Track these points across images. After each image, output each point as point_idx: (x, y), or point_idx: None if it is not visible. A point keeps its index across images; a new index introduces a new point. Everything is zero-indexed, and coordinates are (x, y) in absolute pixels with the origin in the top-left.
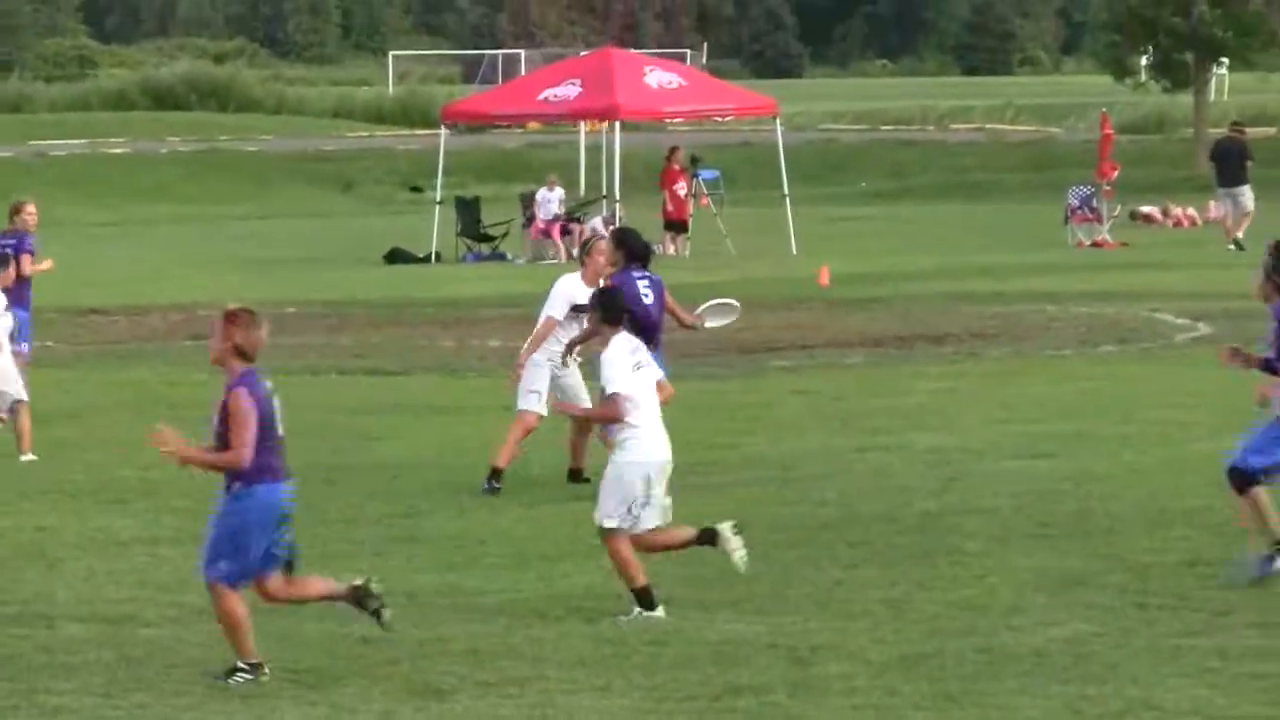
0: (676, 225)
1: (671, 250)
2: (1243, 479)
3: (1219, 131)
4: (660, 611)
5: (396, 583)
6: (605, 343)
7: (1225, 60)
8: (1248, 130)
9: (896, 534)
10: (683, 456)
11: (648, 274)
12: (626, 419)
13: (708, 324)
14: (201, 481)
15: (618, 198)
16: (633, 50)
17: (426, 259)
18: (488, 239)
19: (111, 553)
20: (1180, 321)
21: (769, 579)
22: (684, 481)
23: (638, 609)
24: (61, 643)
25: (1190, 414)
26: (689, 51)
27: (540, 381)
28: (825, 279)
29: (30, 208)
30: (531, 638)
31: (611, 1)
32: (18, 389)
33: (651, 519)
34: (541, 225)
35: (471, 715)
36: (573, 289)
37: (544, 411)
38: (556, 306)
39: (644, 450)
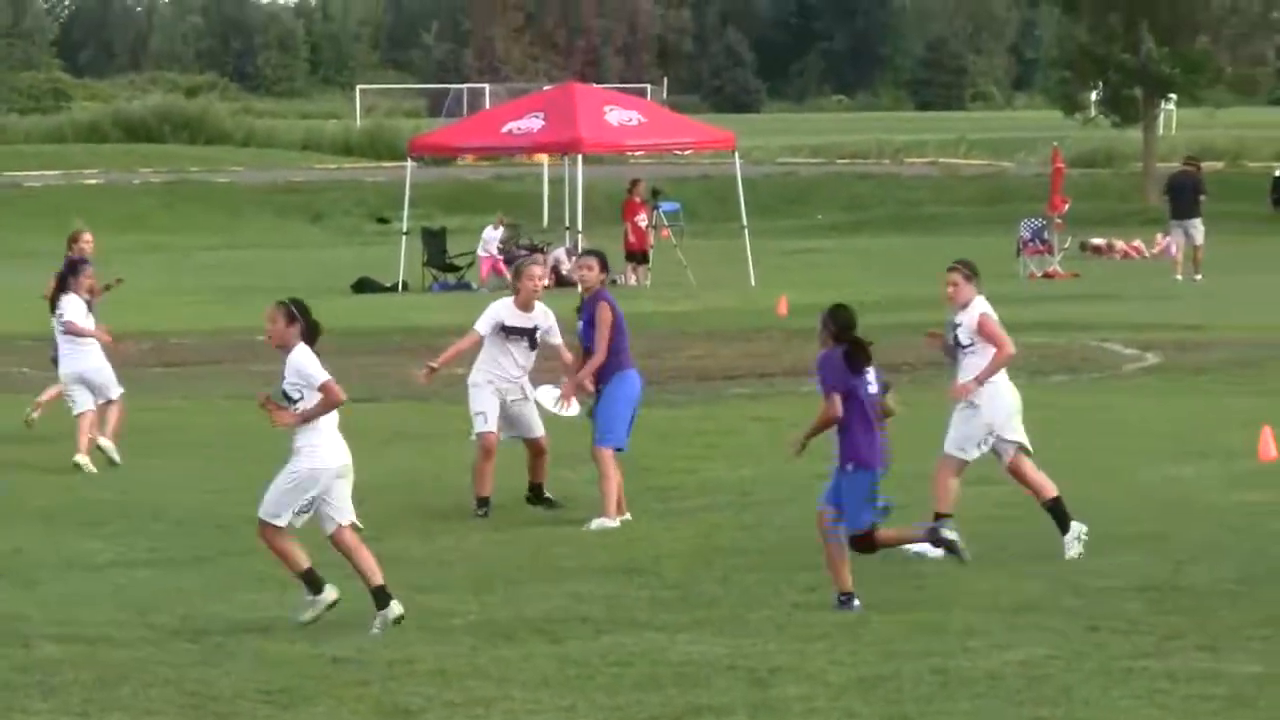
0: (638, 256)
1: (633, 280)
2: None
3: (1168, 166)
4: (330, 592)
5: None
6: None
7: (1173, 96)
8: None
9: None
10: (643, 481)
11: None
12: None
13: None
14: (175, 505)
15: (579, 229)
16: (595, 85)
17: (394, 288)
18: (453, 269)
19: (88, 574)
20: (1129, 351)
21: (729, 602)
22: (646, 507)
23: (309, 595)
24: (38, 662)
25: (1139, 441)
26: (649, 86)
27: (484, 403)
28: (783, 309)
29: (87, 236)
30: (497, 658)
31: (574, 37)
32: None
33: (325, 522)
34: (489, 261)
35: None
36: (504, 311)
37: (494, 429)
38: (484, 323)
39: (321, 458)
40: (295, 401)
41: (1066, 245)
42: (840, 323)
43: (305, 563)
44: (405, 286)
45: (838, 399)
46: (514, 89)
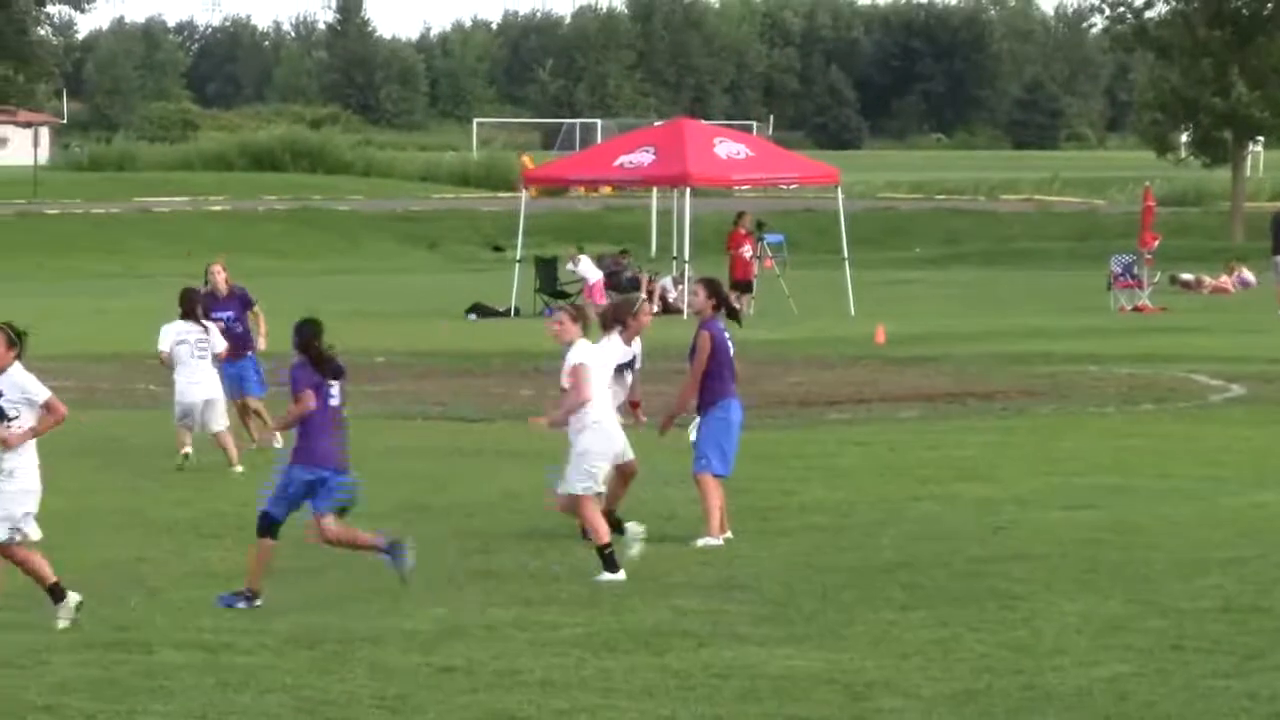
0: (742, 285)
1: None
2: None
3: (1255, 205)
4: (73, 596)
5: (473, 615)
6: None
7: (1261, 139)
8: None
9: (948, 578)
10: (745, 501)
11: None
12: None
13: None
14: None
15: (686, 259)
16: (703, 121)
17: (506, 313)
18: (564, 295)
19: (208, 583)
20: (1215, 383)
21: (826, 618)
22: (747, 527)
23: (55, 603)
24: (160, 667)
25: (1223, 470)
26: (755, 123)
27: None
28: (881, 338)
29: (215, 267)
30: (602, 669)
31: (683, 75)
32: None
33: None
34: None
35: None
36: (614, 351)
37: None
38: (595, 375)
39: (35, 477)
40: (11, 419)
41: (1156, 280)
42: (303, 335)
43: (51, 576)
44: (518, 311)
45: (310, 394)
46: (624, 124)
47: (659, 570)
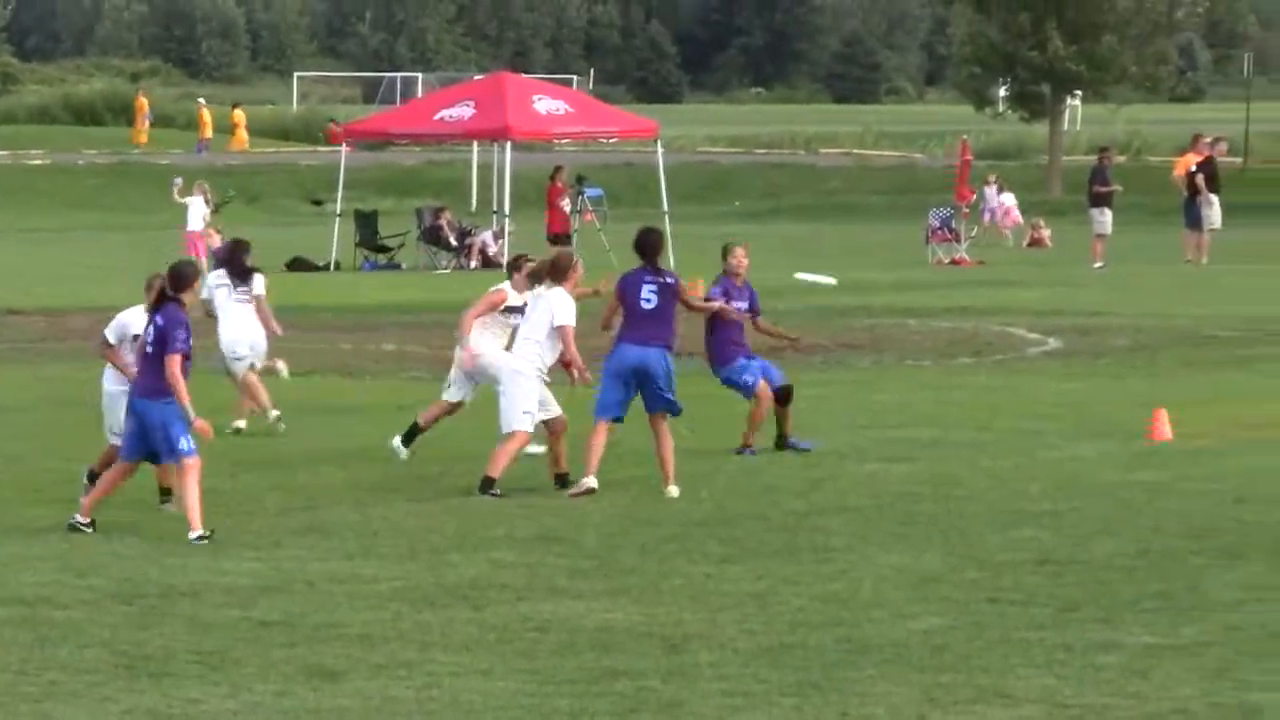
0: (560, 239)
1: None
2: None
3: (1072, 159)
4: None
5: (295, 570)
6: None
7: (1079, 93)
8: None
9: (765, 531)
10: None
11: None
12: None
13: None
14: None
15: (506, 213)
16: (524, 75)
17: (326, 267)
18: (384, 250)
19: (29, 539)
20: (1032, 336)
21: (645, 571)
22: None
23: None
24: None
25: (1040, 423)
26: (576, 77)
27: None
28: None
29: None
30: (420, 623)
31: (504, 29)
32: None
33: None
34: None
35: (363, 696)
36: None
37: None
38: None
39: None
40: None
41: (974, 233)
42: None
43: None
44: (338, 266)
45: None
46: (445, 78)
47: (477, 524)
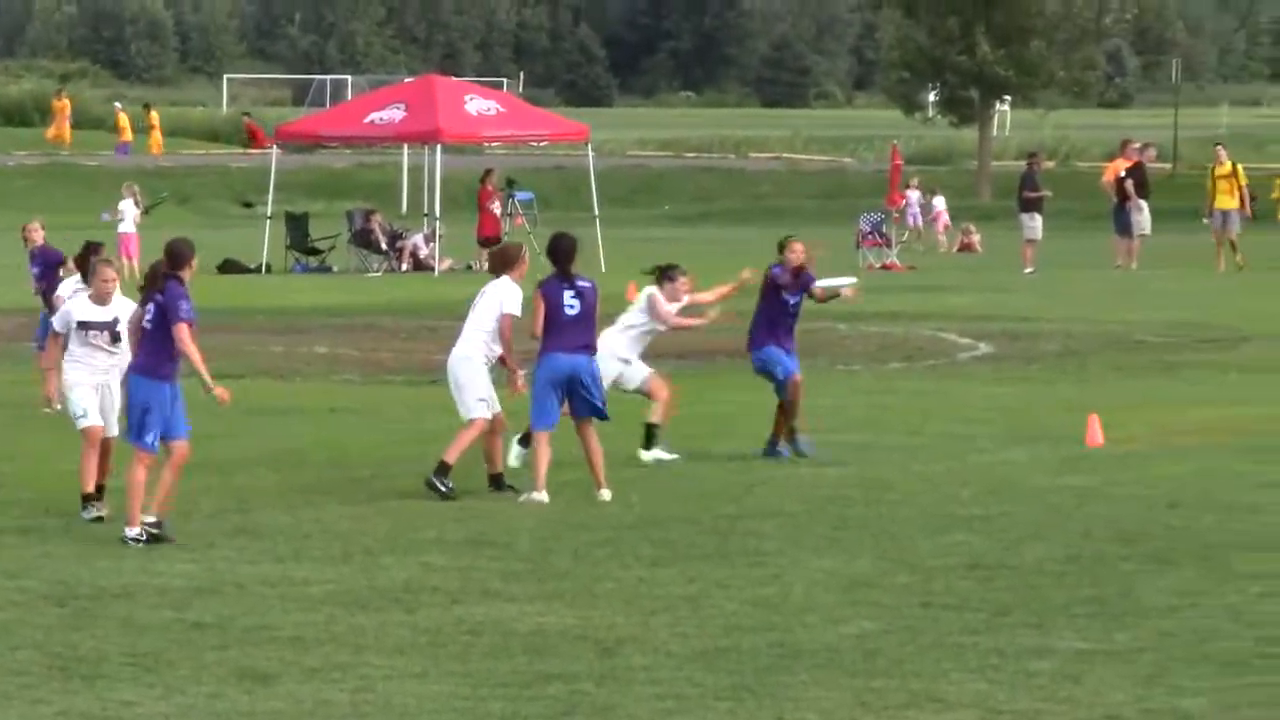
0: (490, 241)
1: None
2: None
3: (1002, 164)
4: None
5: (227, 572)
6: None
7: (1008, 98)
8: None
9: (697, 535)
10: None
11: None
12: None
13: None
14: (45, 476)
15: (437, 216)
16: (454, 78)
17: (257, 270)
18: (315, 252)
19: None
20: (963, 341)
21: (578, 575)
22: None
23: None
24: None
25: (971, 427)
26: (506, 80)
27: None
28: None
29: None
30: (354, 626)
31: (433, 31)
32: None
33: None
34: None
35: (296, 699)
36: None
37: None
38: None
39: None
40: None
41: (904, 238)
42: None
43: None
44: (269, 268)
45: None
46: (375, 80)
47: (409, 527)
